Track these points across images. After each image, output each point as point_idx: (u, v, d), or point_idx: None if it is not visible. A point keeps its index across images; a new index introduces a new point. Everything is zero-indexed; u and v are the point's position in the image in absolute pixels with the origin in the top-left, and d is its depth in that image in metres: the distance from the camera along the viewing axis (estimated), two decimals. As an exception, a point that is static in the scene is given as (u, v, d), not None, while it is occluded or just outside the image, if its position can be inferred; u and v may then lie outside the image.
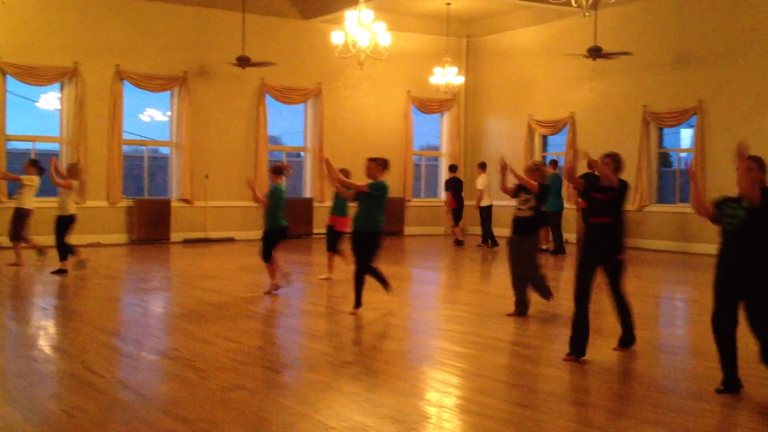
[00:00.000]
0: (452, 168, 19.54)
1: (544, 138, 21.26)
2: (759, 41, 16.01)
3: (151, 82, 18.50)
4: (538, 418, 5.57)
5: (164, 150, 20.16)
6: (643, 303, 10.59)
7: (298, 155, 22.01)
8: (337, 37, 14.78)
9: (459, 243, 18.80)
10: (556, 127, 20.22)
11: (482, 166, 18.21)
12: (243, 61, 17.88)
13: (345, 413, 5.62)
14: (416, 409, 5.83)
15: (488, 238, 18.14)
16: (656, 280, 13.25)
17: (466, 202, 20.01)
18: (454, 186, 18.97)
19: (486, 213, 18.06)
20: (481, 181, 18.13)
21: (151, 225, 18.25)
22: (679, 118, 17.48)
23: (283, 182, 10.87)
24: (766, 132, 15.79)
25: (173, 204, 18.71)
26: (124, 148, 18.78)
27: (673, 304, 10.78)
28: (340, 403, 5.91)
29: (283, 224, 10.75)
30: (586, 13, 15.25)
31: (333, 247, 12.18)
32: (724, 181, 16.33)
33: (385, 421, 5.47)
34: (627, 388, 6.37)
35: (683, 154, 18.74)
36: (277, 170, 10.86)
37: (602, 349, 7.73)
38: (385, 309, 9.79)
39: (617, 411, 5.74)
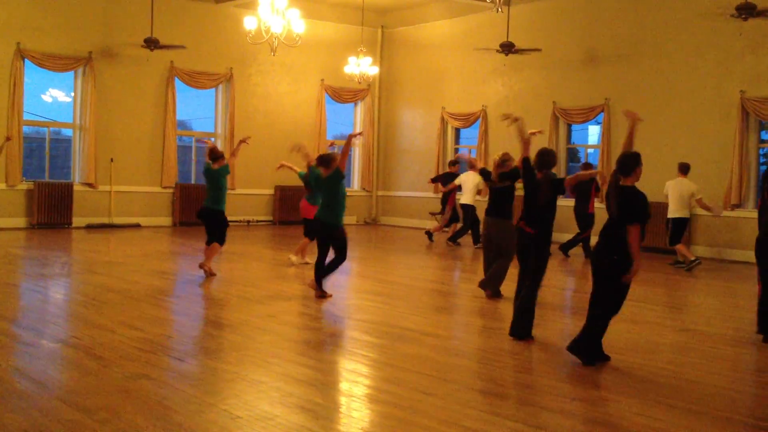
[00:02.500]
0: (452, 163, 17.77)
1: (457, 131, 21.46)
2: (662, 43, 16.53)
3: (54, 62, 17.82)
4: (447, 407, 5.59)
5: (67, 132, 19.47)
6: (552, 295, 10.81)
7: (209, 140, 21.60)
8: (249, 23, 14.56)
9: (429, 235, 17.45)
10: (469, 120, 20.44)
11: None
12: (151, 43, 17.41)
13: (252, 402, 5.52)
14: (326, 399, 5.78)
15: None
16: (567, 272, 13.54)
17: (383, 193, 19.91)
18: (446, 181, 17.37)
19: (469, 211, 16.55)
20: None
21: (52, 209, 17.63)
22: (587, 114, 17.91)
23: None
24: (667, 131, 16.34)
25: (76, 188, 18.11)
26: (25, 129, 18.07)
27: (580, 296, 11.02)
28: (247, 393, 5.80)
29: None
30: (499, 9, 15.45)
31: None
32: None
33: (294, 410, 5.40)
34: (533, 378, 6.47)
35: (590, 150, 19.20)
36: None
37: (508, 338, 7.84)
38: (297, 298, 9.70)
39: (523, 400, 5.82)
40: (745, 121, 15.28)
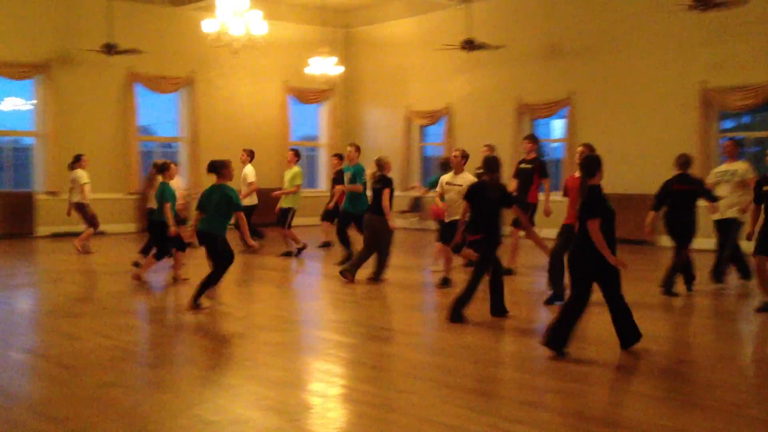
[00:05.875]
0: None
1: (423, 128, 21.49)
2: (624, 35, 16.69)
3: (11, 70, 17.54)
4: (423, 404, 5.59)
5: (27, 140, 19.18)
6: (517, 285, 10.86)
7: (170, 146, 21.42)
8: (209, 26, 14.42)
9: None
10: (434, 117, 20.49)
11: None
12: (110, 49, 17.21)
13: (226, 406, 5.48)
14: (300, 400, 5.76)
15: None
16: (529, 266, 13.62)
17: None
18: None
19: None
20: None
21: (14, 219, 17.38)
22: (551, 109, 18.02)
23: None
24: (632, 123, 16.52)
25: (38, 196, 17.85)
26: (-16, 138, 17.79)
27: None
28: (220, 397, 5.75)
29: None
30: (460, 6, 15.48)
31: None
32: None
33: (268, 413, 5.37)
34: (507, 372, 6.49)
35: (555, 144, 19.33)
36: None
37: (480, 334, 7.86)
38: (268, 301, 9.64)
39: (498, 394, 5.83)
40: (705, 111, 15.49)
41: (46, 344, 7.61)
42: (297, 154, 14.73)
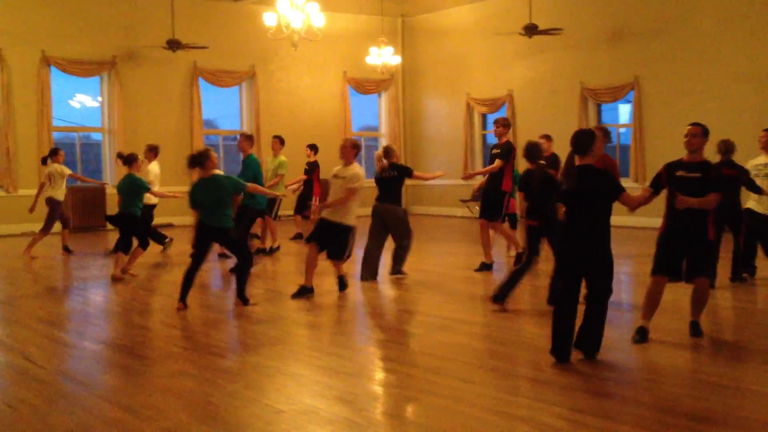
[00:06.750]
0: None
1: (484, 116, 21.34)
2: (691, 15, 16.27)
3: (79, 67, 18.00)
4: (490, 394, 5.57)
5: (96, 136, 19.68)
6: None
7: (235, 138, 21.69)
8: (269, 19, 14.57)
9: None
10: (495, 104, 20.32)
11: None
12: (173, 45, 17.52)
13: (294, 396, 5.54)
14: (366, 390, 5.79)
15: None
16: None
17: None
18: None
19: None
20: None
21: (86, 212, 17.89)
22: (616, 93, 17.70)
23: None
24: (700, 105, 16.08)
25: (109, 190, 18.26)
26: (54, 135, 18.25)
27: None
28: (289, 386, 5.83)
29: None
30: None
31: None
32: (663, 154, 16.62)
33: (335, 402, 5.42)
34: (574, 362, 6.40)
35: (622, 130, 18.98)
36: None
37: (543, 324, 7.78)
38: (330, 291, 9.70)
39: (567, 385, 5.76)
40: (780, 93, 15.04)
41: (119, 335, 7.81)
42: (282, 141, 13.75)
